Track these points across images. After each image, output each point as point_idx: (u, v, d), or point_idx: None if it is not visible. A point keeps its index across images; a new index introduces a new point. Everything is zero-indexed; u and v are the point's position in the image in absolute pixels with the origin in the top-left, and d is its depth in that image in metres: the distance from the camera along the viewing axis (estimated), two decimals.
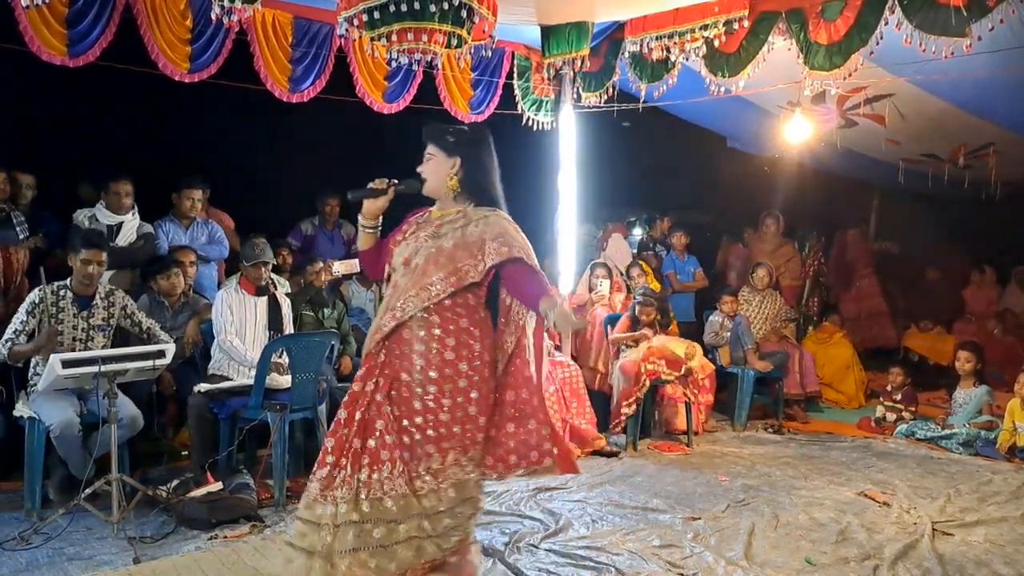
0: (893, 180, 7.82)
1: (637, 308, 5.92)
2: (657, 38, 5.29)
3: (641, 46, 5.39)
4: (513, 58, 5.99)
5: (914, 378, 6.67)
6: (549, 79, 6.12)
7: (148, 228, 5.25)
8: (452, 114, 5.65)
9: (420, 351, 2.60)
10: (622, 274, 6.91)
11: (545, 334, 5.75)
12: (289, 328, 4.92)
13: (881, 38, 4.57)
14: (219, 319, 4.69)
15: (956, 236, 9.18)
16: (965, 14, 4.17)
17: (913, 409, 6.31)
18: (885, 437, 6.01)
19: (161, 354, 3.99)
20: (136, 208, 5.21)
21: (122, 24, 4.32)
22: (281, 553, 2.67)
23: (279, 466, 4.21)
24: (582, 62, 5.65)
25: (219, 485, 4.07)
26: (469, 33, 4.22)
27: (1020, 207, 8.16)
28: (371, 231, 2.85)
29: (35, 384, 4.11)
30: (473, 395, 2.61)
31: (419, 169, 2.77)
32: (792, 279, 7.81)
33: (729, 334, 6.48)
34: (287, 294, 5.19)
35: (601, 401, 5.84)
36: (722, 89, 5.37)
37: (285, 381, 4.54)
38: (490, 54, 5.53)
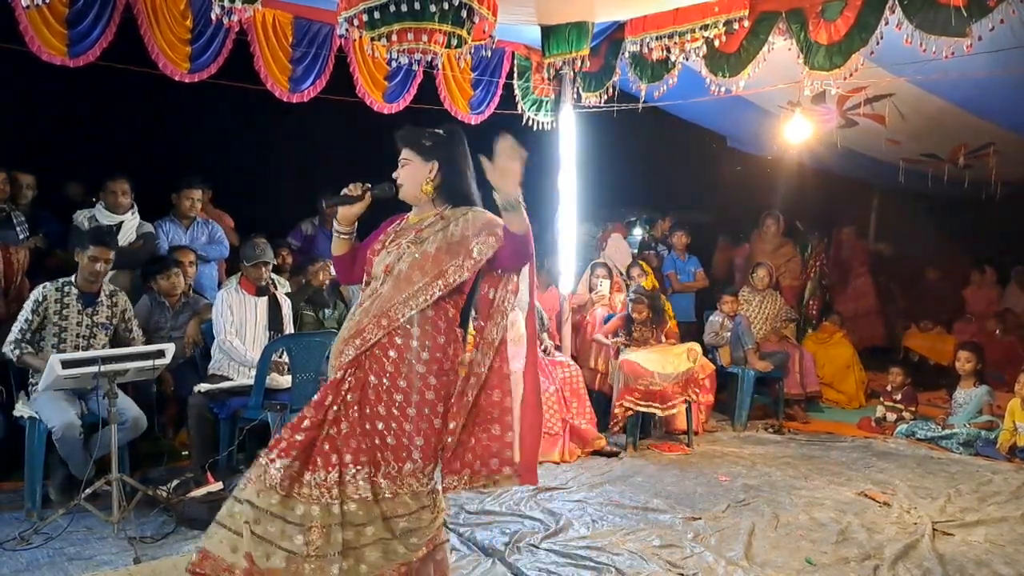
0: (893, 180, 7.82)
1: (630, 306, 5.93)
2: (657, 38, 5.28)
3: (641, 46, 5.39)
4: (513, 58, 5.99)
5: (914, 378, 6.67)
6: (549, 79, 6.11)
7: (148, 228, 5.25)
8: (452, 114, 5.65)
9: (394, 358, 2.57)
10: (622, 274, 6.91)
11: (545, 335, 5.80)
12: (289, 328, 4.92)
13: (881, 38, 4.57)
14: (219, 319, 4.69)
15: (956, 236, 9.19)
16: (965, 14, 4.17)
17: (913, 409, 6.31)
18: (885, 437, 6.01)
19: (161, 354, 3.99)
20: (136, 208, 5.20)
21: (122, 24, 4.32)
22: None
23: None
24: (582, 62, 5.65)
25: (219, 485, 4.07)
26: (469, 33, 4.22)
27: (1020, 207, 8.16)
28: (346, 237, 2.84)
29: (35, 384, 4.12)
30: (440, 408, 2.58)
31: (395, 174, 2.73)
32: (792, 279, 7.81)
33: (729, 334, 6.48)
34: (287, 294, 5.19)
35: (601, 401, 5.84)
36: (722, 89, 5.37)
37: (285, 381, 4.54)
38: (490, 54, 5.53)
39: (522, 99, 6.07)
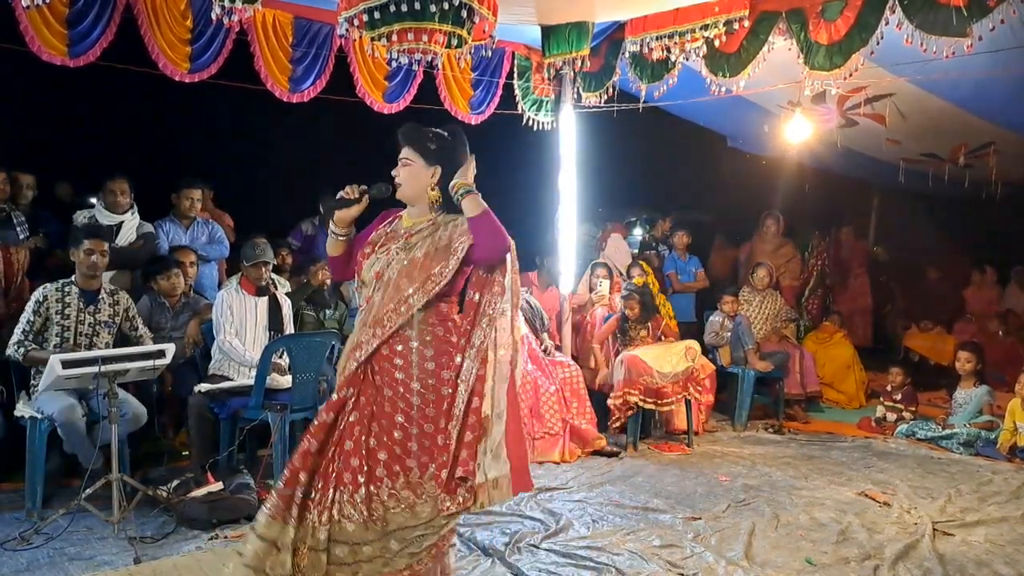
0: (893, 180, 7.82)
1: (622, 304, 5.95)
2: (657, 38, 5.28)
3: (641, 46, 5.39)
4: (513, 58, 5.99)
5: (914, 378, 6.67)
6: (549, 79, 6.11)
7: (148, 228, 5.25)
8: (452, 114, 5.65)
9: (400, 365, 2.57)
10: (622, 274, 6.91)
11: (545, 335, 5.80)
12: (290, 328, 4.92)
13: (882, 38, 4.57)
14: (219, 319, 4.69)
15: (956, 236, 9.19)
16: (966, 14, 4.16)
17: (913, 409, 6.31)
18: (885, 437, 6.01)
19: (161, 354, 4.00)
20: (135, 208, 5.21)
21: (122, 24, 4.32)
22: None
23: (279, 466, 4.20)
24: (582, 62, 5.65)
25: (220, 485, 4.07)
26: (469, 33, 4.22)
27: (1020, 207, 8.16)
28: (343, 238, 2.79)
29: (36, 383, 4.12)
30: (460, 401, 2.56)
31: (394, 173, 2.68)
32: (792, 279, 7.81)
33: (729, 334, 6.49)
34: (287, 294, 5.19)
35: (601, 401, 5.84)
36: (722, 89, 5.37)
37: (286, 381, 4.54)
38: (490, 54, 5.52)
39: (522, 99, 6.07)
